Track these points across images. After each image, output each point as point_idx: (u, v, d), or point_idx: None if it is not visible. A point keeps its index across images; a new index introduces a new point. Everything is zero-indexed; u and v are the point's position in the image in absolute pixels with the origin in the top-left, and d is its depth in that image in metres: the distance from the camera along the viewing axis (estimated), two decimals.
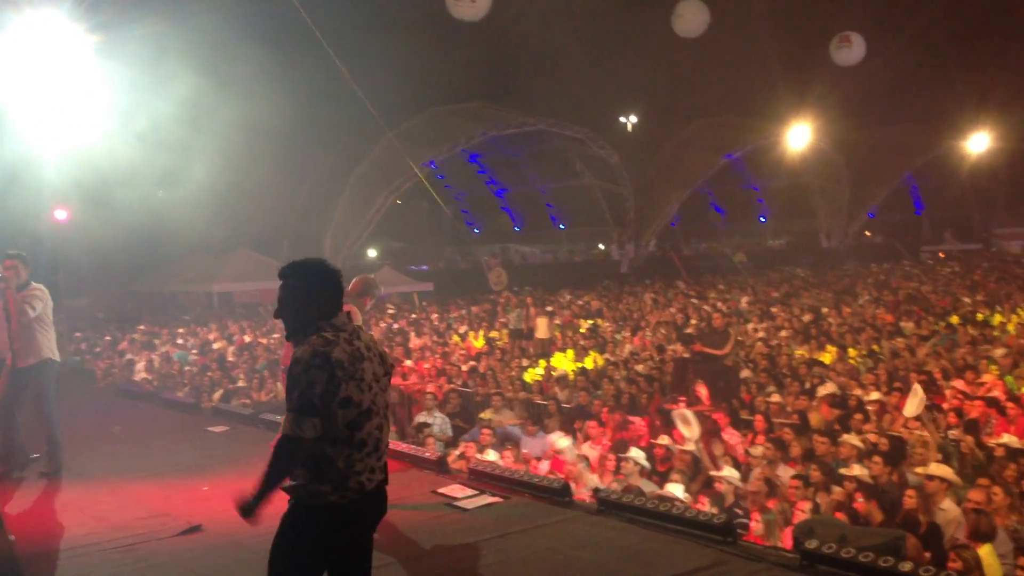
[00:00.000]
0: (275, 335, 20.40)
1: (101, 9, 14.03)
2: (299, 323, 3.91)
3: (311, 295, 3.91)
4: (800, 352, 14.73)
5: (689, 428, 9.42)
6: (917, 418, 8.85)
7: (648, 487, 8.12)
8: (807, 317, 18.75)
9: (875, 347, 14.66)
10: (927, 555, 6.34)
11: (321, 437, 3.73)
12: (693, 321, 18.53)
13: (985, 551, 5.95)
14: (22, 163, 13.56)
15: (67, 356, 17.76)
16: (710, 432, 9.90)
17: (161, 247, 30.39)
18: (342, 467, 3.74)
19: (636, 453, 8.73)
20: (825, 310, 19.93)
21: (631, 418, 11.09)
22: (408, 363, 15.78)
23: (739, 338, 16.24)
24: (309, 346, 3.77)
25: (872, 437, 8.89)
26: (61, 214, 16.89)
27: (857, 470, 7.71)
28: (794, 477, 7.85)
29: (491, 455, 9.18)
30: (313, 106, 32.98)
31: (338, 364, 3.72)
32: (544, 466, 9.39)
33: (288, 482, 3.79)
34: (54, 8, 13.02)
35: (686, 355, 13.70)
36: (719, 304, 21.45)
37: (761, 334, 17.05)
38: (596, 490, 7.34)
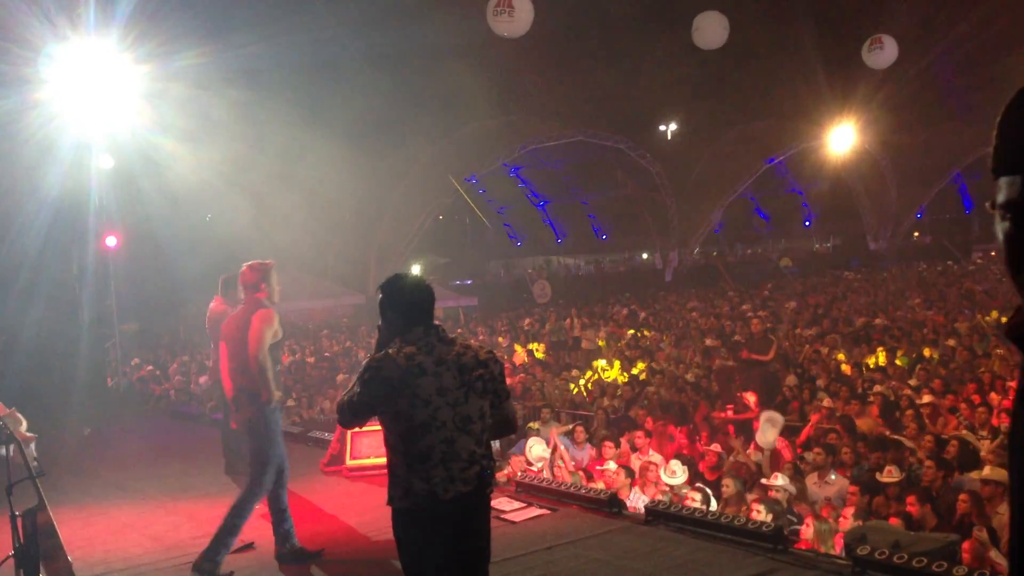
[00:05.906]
0: (327, 353, 20.62)
1: (148, 39, 14.32)
2: (385, 339, 4.02)
3: (384, 314, 4.01)
4: (841, 356, 14.54)
5: (773, 430, 9.37)
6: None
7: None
8: (857, 321, 18.48)
9: (927, 350, 14.41)
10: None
11: (386, 444, 3.89)
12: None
13: None
14: (72, 190, 13.85)
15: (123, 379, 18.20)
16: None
17: (208, 269, 30.75)
18: (404, 475, 3.78)
19: (676, 464, 8.67)
20: (876, 313, 19.64)
21: (675, 428, 11.01)
22: None
23: (786, 342, 16.08)
24: (371, 359, 3.91)
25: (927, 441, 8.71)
26: (111, 240, 17.17)
27: (896, 474, 7.61)
28: (853, 483, 7.76)
29: (539, 466, 9.17)
30: (355, 128, 33.39)
31: (386, 381, 3.78)
32: (586, 477, 9.35)
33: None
34: (101, 38, 13.28)
35: (731, 362, 13.60)
36: (760, 312, 21.21)
37: (809, 338, 16.83)
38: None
